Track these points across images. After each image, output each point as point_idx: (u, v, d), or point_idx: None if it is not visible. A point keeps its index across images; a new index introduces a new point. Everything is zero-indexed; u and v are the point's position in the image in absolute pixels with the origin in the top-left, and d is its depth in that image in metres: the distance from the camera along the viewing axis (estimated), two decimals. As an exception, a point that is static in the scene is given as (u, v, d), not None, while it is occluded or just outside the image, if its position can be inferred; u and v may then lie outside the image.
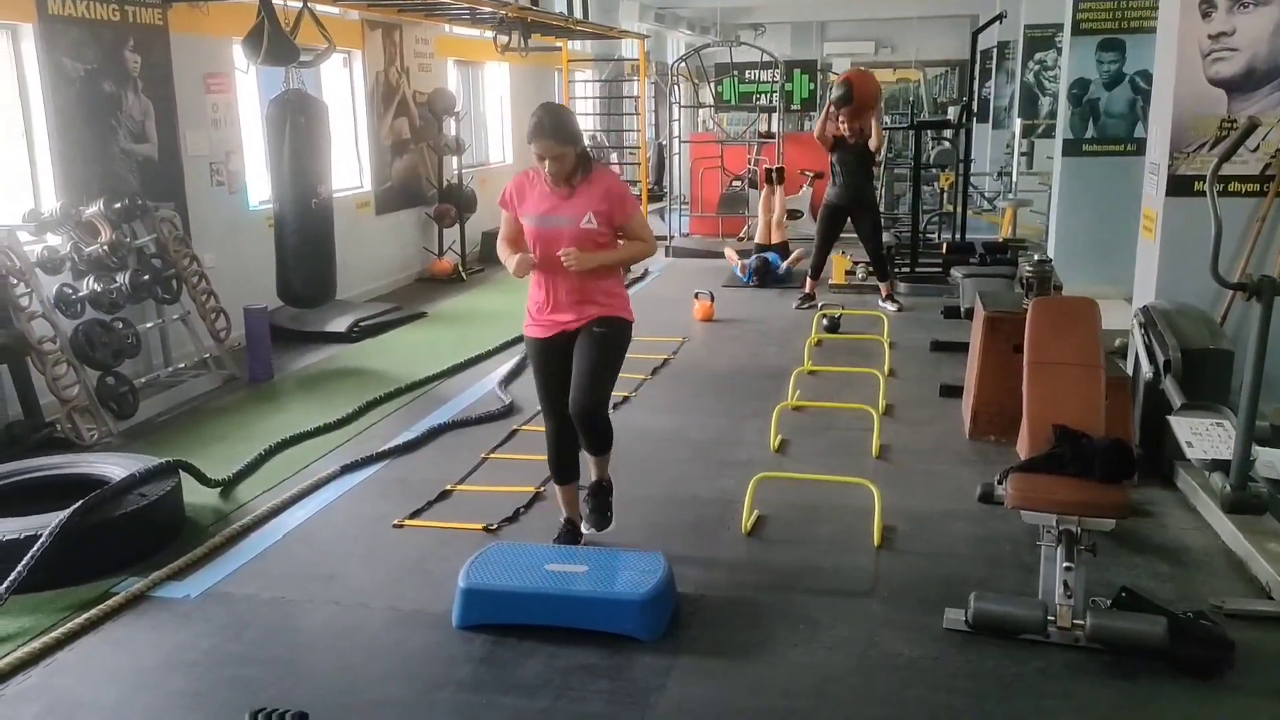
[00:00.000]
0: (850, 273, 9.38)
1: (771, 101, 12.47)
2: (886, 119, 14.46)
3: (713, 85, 13.30)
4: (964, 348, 5.91)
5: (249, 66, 7.36)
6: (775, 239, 10.17)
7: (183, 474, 4.40)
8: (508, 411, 5.74)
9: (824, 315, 7.62)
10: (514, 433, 5.39)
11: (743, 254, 9.90)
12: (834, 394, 5.94)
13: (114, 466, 4.26)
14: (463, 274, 10.16)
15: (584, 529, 3.96)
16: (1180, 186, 5.05)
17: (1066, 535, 3.24)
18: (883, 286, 8.48)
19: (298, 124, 6.76)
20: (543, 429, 4.00)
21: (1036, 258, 5.30)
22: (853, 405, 5.52)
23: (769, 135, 12.34)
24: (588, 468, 3.93)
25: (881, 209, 10.04)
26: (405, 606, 3.59)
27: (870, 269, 8.73)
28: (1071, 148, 8.57)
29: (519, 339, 6.96)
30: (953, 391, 5.85)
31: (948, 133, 12.45)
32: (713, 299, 8.17)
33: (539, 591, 3.39)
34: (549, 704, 3.01)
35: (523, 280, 3.78)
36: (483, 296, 9.43)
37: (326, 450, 5.19)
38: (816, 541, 4.08)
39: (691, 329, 7.83)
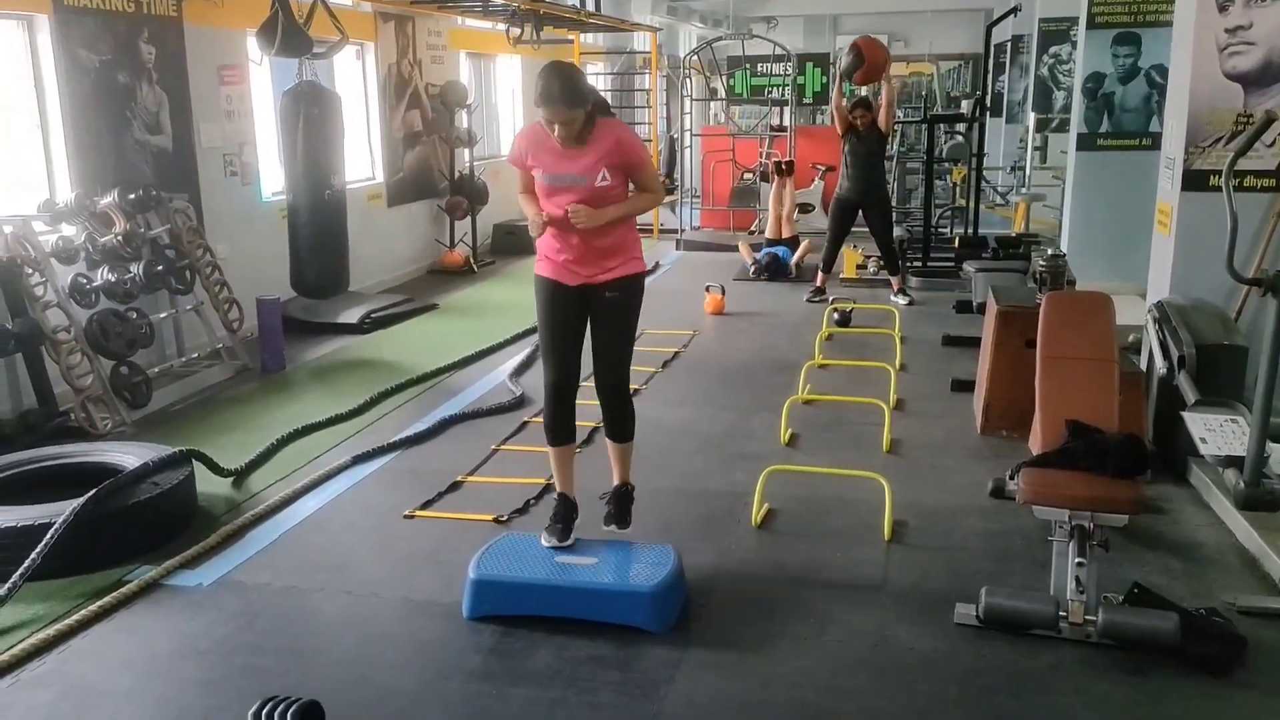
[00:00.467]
0: (862, 267, 9.36)
1: (783, 95, 12.44)
2: (899, 112, 14.38)
3: (724, 78, 13.27)
4: (976, 343, 5.89)
5: (262, 58, 7.39)
6: (786, 233, 10.14)
7: (195, 463, 4.43)
8: (519, 403, 5.74)
9: (835, 309, 7.61)
10: (524, 424, 5.39)
11: (755, 247, 9.89)
12: (845, 388, 5.93)
13: (127, 455, 4.29)
14: (474, 266, 10.17)
15: (604, 525, 3.87)
16: (1196, 181, 5.01)
17: (1079, 531, 3.23)
18: (894, 280, 8.46)
19: (311, 116, 6.77)
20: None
21: (1050, 252, 5.28)
22: (864, 399, 5.51)
23: (781, 129, 12.32)
24: (610, 468, 3.88)
25: (893, 203, 10.01)
26: (416, 597, 3.60)
27: (881, 263, 8.70)
28: (1086, 142, 8.52)
29: (530, 331, 6.99)
30: (964, 386, 5.84)
31: (961, 126, 12.40)
32: (724, 292, 8.16)
33: (549, 583, 3.40)
34: (559, 694, 3.02)
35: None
36: (494, 289, 9.44)
37: (338, 441, 5.21)
38: (827, 535, 4.08)
39: (702, 322, 7.82)
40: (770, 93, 12.82)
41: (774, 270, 9.42)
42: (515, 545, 3.64)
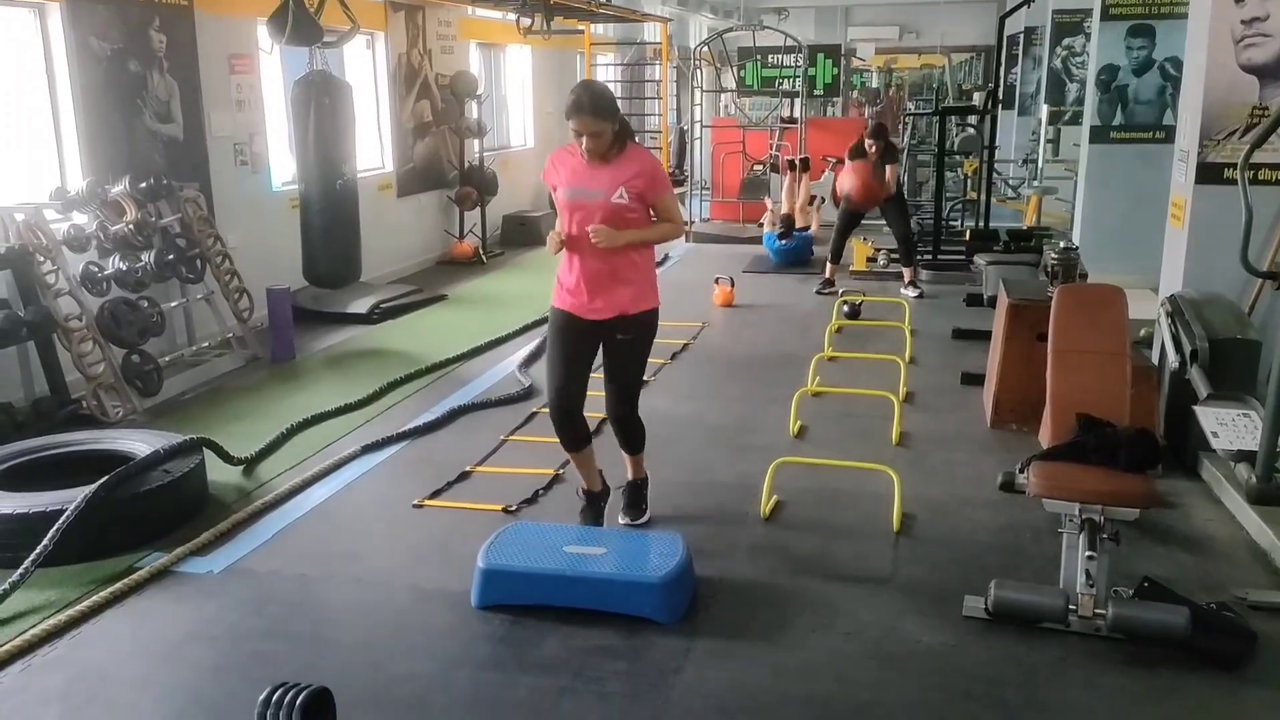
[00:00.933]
0: (871, 259, 9.33)
1: (794, 86, 12.39)
2: (910, 104, 14.31)
3: (735, 70, 13.21)
4: (986, 335, 5.87)
5: (273, 47, 7.39)
6: (800, 224, 10.15)
7: (206, 451, 4.44)
8: (527, 394, 5.75)
9: (845, 301, 7.59)
10: (533, 415, 5.39)
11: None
12: (854, 380, 5.92)
13: (138, 443, 4.30)
14: (483, 257, 10.17)
15: (620, 519, 4.02)
16: (1210, 174, 4.99)
17: (1089, 524, 3.22)
18: (906, 272, 8.43)
19: (322, 105, 6.78)
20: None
21: (1062, 245, 5.26)
22: (873, 392, 5.50)
23: (791, 120, 12.27)
24: (619, 457, 4.02)
25: (905, 195, 9.97)
26: (425, 585, 3.61)
27: (892, 255, 8.67)
28: (1099, 134, 8.47)
29: (539, 322, 6.99)
30: (974, 379, 5.82)
31: (973, 119, 12.34)
32: (733, 284, 8.15)
33: (557, 572, 3.40)
34: (567, 683, 3.02)
35: (545, 263, 3.78)
36: (503, 279, 9.45)
37: (347, 430, 5.22)
38: (836, 527, 4.07)
39: (712, 314, 7.81)
40: (781, 84, 12.77)
41: (788, 229, 9.57)
42: (523, 535, 3.64)
